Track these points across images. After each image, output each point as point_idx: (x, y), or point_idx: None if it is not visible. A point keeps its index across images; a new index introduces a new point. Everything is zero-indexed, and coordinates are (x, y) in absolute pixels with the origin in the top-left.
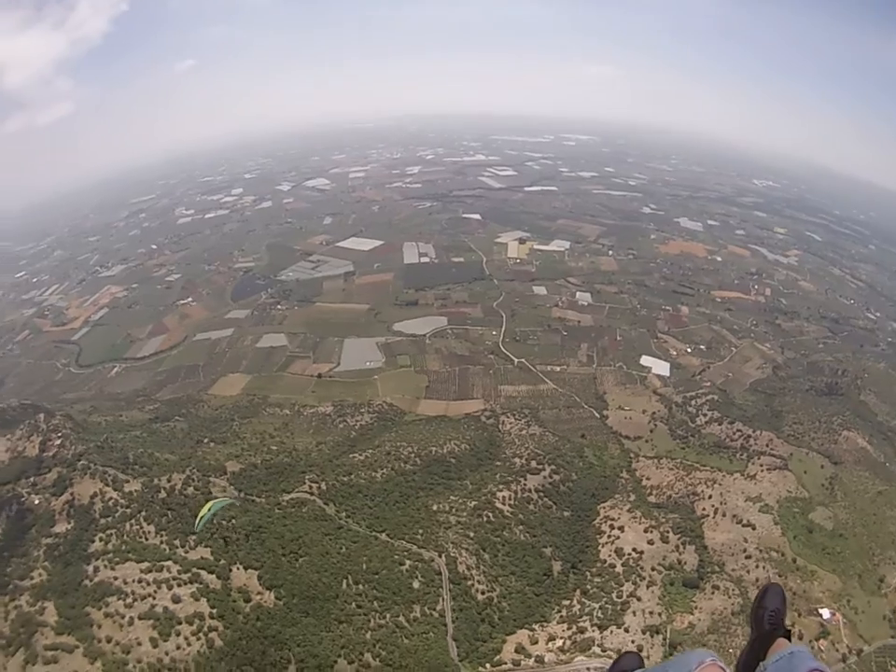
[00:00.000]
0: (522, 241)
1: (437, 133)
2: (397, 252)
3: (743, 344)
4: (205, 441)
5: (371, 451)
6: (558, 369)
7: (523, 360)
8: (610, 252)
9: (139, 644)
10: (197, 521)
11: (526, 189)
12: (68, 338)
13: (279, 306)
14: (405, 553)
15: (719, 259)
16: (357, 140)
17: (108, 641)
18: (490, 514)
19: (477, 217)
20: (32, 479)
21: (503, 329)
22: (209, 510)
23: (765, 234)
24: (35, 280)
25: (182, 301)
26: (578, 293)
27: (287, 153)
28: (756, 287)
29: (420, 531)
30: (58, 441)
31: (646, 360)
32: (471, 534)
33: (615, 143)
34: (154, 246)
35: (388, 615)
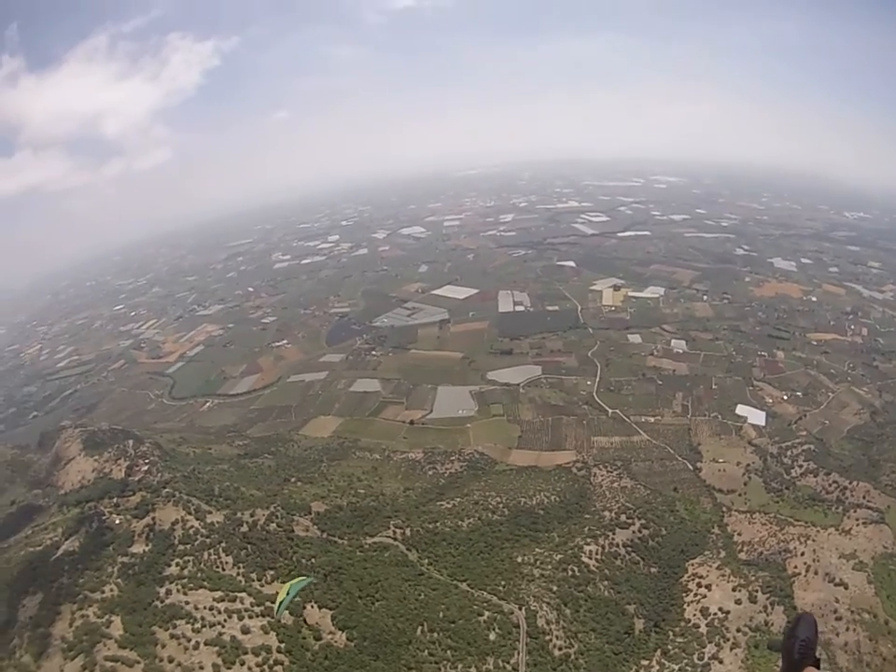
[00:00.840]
0: (616, 288)
1: (528, 180)
2: (492, 300)
3: (840, 389)
4: (292, 479)
5: (458, 499)
6: (652, 419)
7: (617, 411)
8: (705, 297)
9: (201, 668)
10: (276, 606)
11: (619, 234)
12: (163, 370)
13: (374, 352)
14: (484, 605)
15: (814, 298)
16: (452, 188)
17: (170, 661)
18: (575, 568)
19: (571, 264)
20: (115, 499)
21: (598, 378)
22: (288, 592)
23: (860, 270)
24: (132, 314)
25: (277, 343)
26: (673, 341)
27: (387, 201)
28: (852, 326)
29: (502, 582)
30: (144, 467)
31: (741, 409)
32: (554, 588)
33: (704, 183)
34: (251, 289)
35: (461, 665)
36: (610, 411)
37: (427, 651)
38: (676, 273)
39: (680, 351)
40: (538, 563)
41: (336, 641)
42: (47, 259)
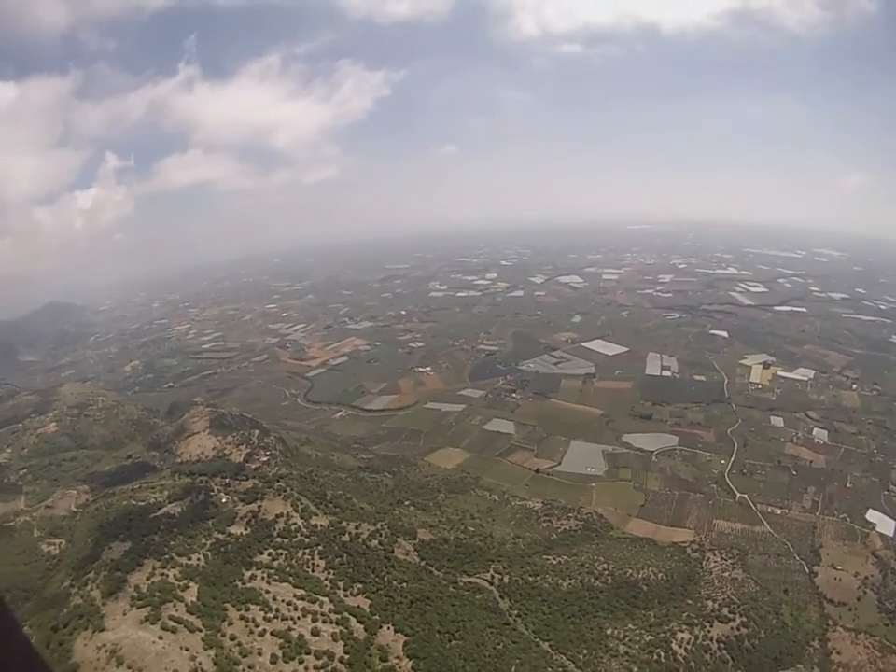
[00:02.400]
0: (766, 365)
1: (691, 241)
2: (640, 361)
3: None
4: (406, 502)
5: (565, 557)
6: (779, 511)
7: (745, 496)
8: (854, 386)
9: (259, 654)
10: None
11: (776, 308)
12: (303, 373)
13: (514, 394)
14: (560, 670)
15: None
16: (614, 242)
17: (232, 639)
18: (662, 654)
19: (724, 334)
20: (227, 480)
21: (732, 458)
22: None
23: None
24: (283, 314)
25: (420, 368)
26: (815, 429)
27: (547, 246)
28: None
29: (585, 651)
30: (264, 458)
31: (872, 515)
32: (635, 669)
33: (866, 260)
34: (403, 312)
35: None
36: (738, 495)
37: None
38: (828, 356)
39: (821, 441)
40: (626, 639)
41: (400, 668)
42: (209, 250)
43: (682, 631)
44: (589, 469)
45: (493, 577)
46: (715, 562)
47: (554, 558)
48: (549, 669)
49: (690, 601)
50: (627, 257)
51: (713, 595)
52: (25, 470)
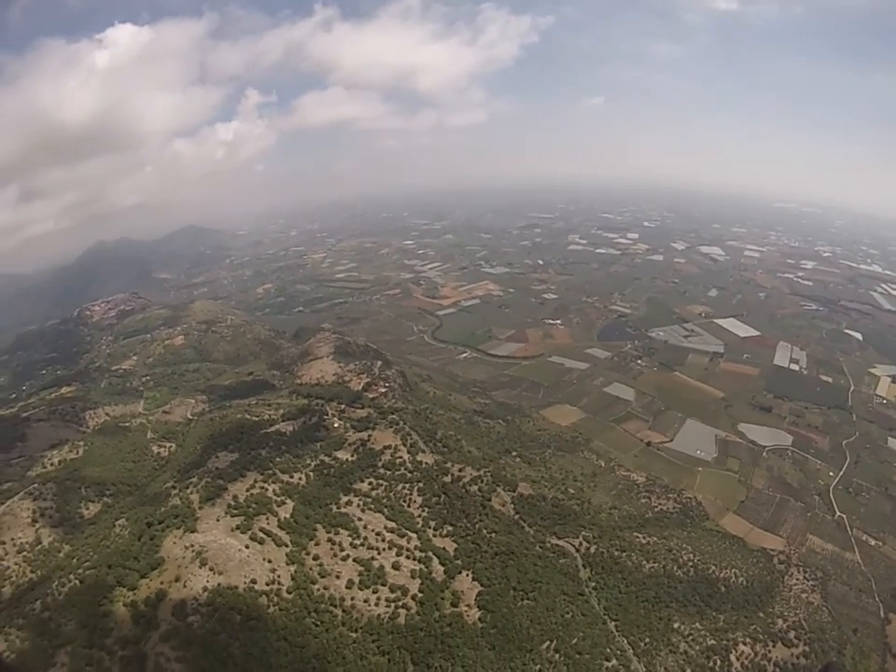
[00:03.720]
0: (895, 380)
1: (839, 229)
2: (769, 349)
3: None
4: (513, 453)
5: (655, 538)
6: (873, 542)
7: (843, 516)
8: None
9: (337, 578)
10: None
11: None
12: (433, 311)
13: (639, 361)
14: (618, 652)
15: None
16: (761, 217)
17: (314, 559)
18: (718, 662)
19: (858, 336)
20: (343, 407)
21: (841, 473)
22: None
23: None
24: (420, 252)
25: (550, 321)
26: None
27: (691, 213)
28: None
29: (647, 639)
30: (382, 389)
31: None
32: (688, 670)
33: None
34: (541, 262)
35: None
36: (837, 513)
37: (538, 667)
38: None
39: None
40: (689, 637)
41: (467, 616)
42: (350, 186)
43: (745, 644)
44: (699, 452)
45: (580, 544)
46: (797, 579)
47: (644, 537)
48: (608, 650)
49: (762, 614)
50: (771, 235)
51: (785, 613)
52: (148, 377)
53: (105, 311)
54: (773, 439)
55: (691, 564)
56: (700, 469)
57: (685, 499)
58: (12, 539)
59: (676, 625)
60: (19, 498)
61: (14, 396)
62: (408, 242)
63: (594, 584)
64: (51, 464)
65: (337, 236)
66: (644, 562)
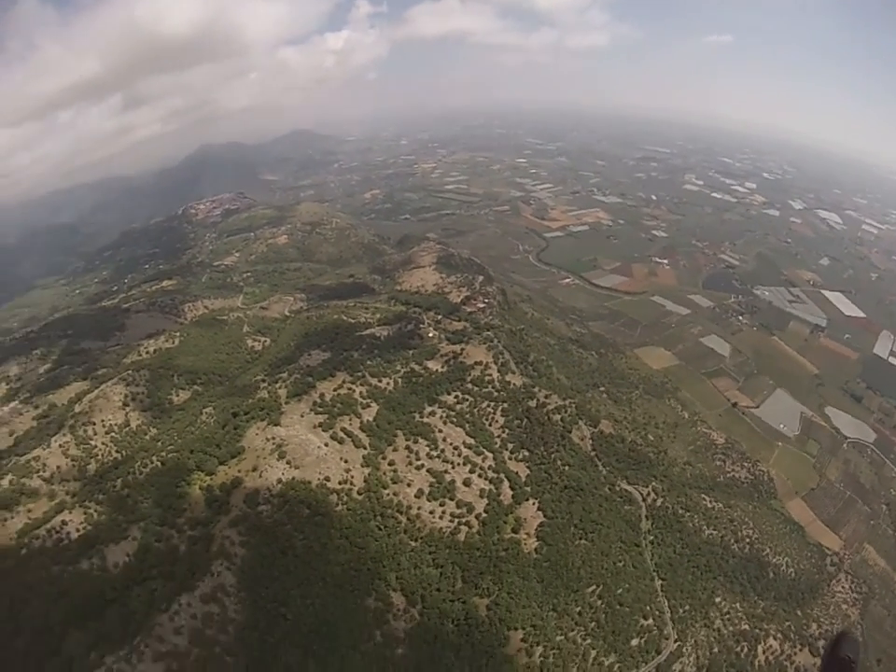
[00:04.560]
0: None
1: None
2: (872, 335)
3: None
4: (601, 388)
5: (720, 505)
6: None
7: None
8: None
9: (408, 486)
10: None
11: None
12: (541, 232)
13: (741, 317)
14: (656, 612)
15: None
16: (882, 190)
17: (390, 465)
18: (745, 649)
19: None
20: (439, 317)
21: None
22: None
23: None
24: (532, 171)
25: (657, 259)
26: None
27: (813, 171)
28: None
29: (687, 607)
30: (481, 304)
31: None
32: (715, 649)
33: None
34: (654, 197)
35: (593, 652)
36: None
37: (577, 609)
38: None
39: None
40: (726, 616)
41: (525, 544)
42: (464, 99)
43: (776, 639)
44: (781, 426)
45: (648, 494)
46: (842, 588)
47: (711, 501)
48: (647, 608)
49: (800, 612)
50: (893, 214)
51: (821, 619)
52: (249, 274)
53: (210, 209)
54: (856, 431)
55: (748, 540)
56: (780, 443)
57: (758, 472)
58: (102, 421)
59: (717, 600)
60: (112, 383)
61: (116, 288)
62: (520, 160)
63: (651, 538)
64: (147, 352)
65: (449, 148)
66: (704, 527)
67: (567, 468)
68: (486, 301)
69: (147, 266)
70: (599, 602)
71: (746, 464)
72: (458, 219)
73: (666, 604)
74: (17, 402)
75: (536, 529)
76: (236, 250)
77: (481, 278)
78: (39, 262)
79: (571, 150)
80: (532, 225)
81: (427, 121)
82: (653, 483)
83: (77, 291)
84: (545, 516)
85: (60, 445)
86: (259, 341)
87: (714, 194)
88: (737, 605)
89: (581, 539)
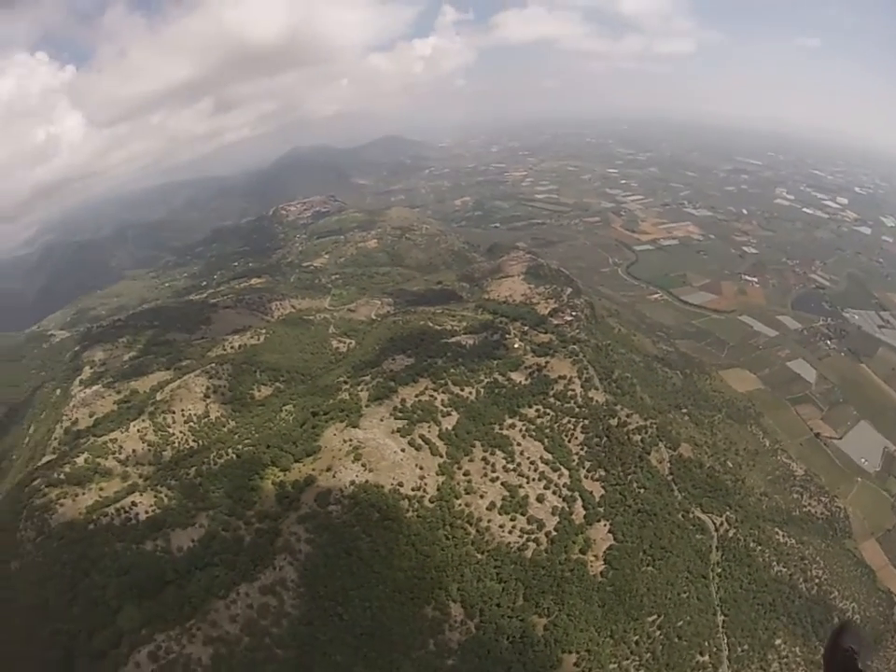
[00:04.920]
0: None
1: None
2: None
3: None
4: (683, 410)
5: (793, 541)
6: None
7: None
8: None
9: (480, 497)
10: None
11: None
12: (631, 245)
13: (829, 342)
14: (713, 650)
15: None
16: None
17: (465, 475)
18: None
19: None
20: (526, 328)
21: None
22: None
23: None
24: (622, 181)
25: (747, 277)
26: None
27: None
28: None
29: (745, 646)
30: (569, 317)
31: None
32: None
33: None
34: (745, 212)
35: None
36: None
37: (635, 638)
38: None
39: None
40: (784, 659)
41: (591, 566)
42: (553, 106)
43: None
44: (863, 461)
45: (721, 524)
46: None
47: (783, 536)
48: (706, 643)
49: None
50: None
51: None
52: (337, 276)
53: (301, 211)
54: None
55: (817, 581)
56: (859, 479)
57: (834, 508)
58: (182, 410)
59: (777, 641)
60: (195, 374)
61: (205, 283)
62: (611, 170)
63: (719, 570)
64: (231, 347)
65: (538, 156)
66: (774, 562)
67: (642, 490)
68: (574, 314)
69: (236, 264)
70: (658, 633)
71: (823, 499)
72: (548, 229)
73: (725, 641)
74: (100, 386)
75: (604, 552)
76: (326, 252)
77: (569, 290)
78: (130, 255)
79: (662, 161)
80: (622, 237)
81: (516, 129)
82: (727, 513)
83: (167, 284)
84: (615, 539)
85: (138, 430)
86: (344, 342)
87: (805, 209)
88: (797, 649)
89: (648, 565)
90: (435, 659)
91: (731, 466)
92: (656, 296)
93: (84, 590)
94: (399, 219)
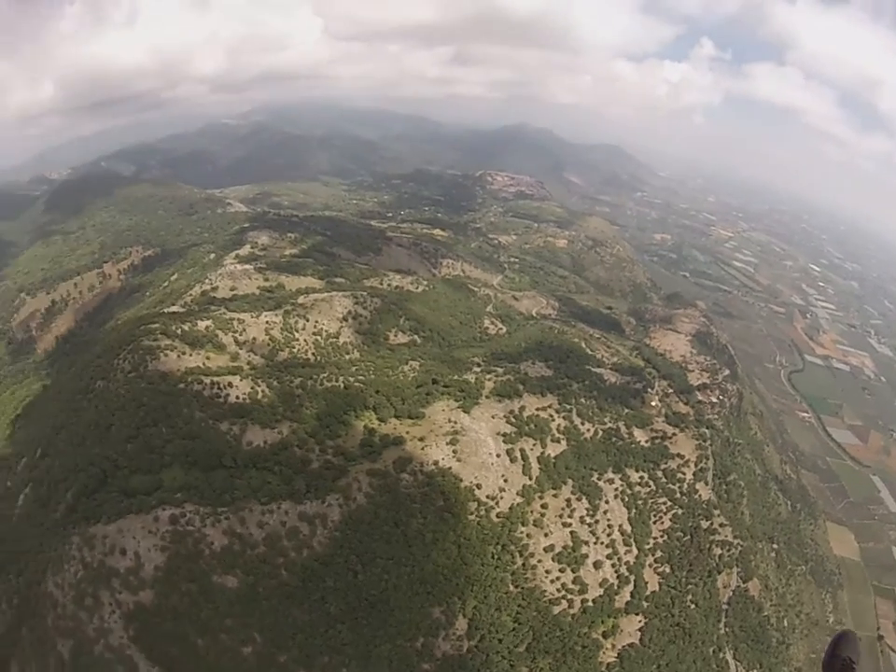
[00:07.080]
0: None
1: None
2: None
3: None
4: (774, 545)
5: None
6: None
7: None
8: None
9: (545, 535)
10: None
11: None
12: (803, 350)
13: None
14: None
15: None
16: None
17: (542, 507)
18: None
19: None
20: (671, 391)
21: None
22: None
23: None
24: (821, 284)
25: None
26: None
27: None
28: None
29: None
30: (714, 399)
31: None
32: None
33: None
34: None
35: None
36: None
37: None
38: None
39: None
40: None
41: (604, 653)
42: (778, 175)
43: None
44: None
45: None
46: None
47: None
48: None
49: None
50: None
51: None
52: (516, 260)
53: (506, 184)
54: None
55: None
56: None
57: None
58: (316, 322)
59: None
60: (343, 295)
61: (390, 215)
62: (815, 267)
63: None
64: (388, 284)
65: (750, 223)
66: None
67: (692, 606)
68: (721, 397)
69: (427, 209)
70: None
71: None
72: (732, 300)
73: None
74: (252, 267)
75: (623, 647)
76: (515, 233)
77: (727, 372)
78: (330, 162)
79: (866, 279)
80: (799, 340)
81: (736, 185)
82: (755, 670)
83: (354, 201)
84: (640, 640)
85: (267, 321)
86: (496, 325)
87: None
88: None
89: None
90: (414, 656)
91: (785, 625)
92: (805, 415)
93: (147, 436)
94: (596, 231)
